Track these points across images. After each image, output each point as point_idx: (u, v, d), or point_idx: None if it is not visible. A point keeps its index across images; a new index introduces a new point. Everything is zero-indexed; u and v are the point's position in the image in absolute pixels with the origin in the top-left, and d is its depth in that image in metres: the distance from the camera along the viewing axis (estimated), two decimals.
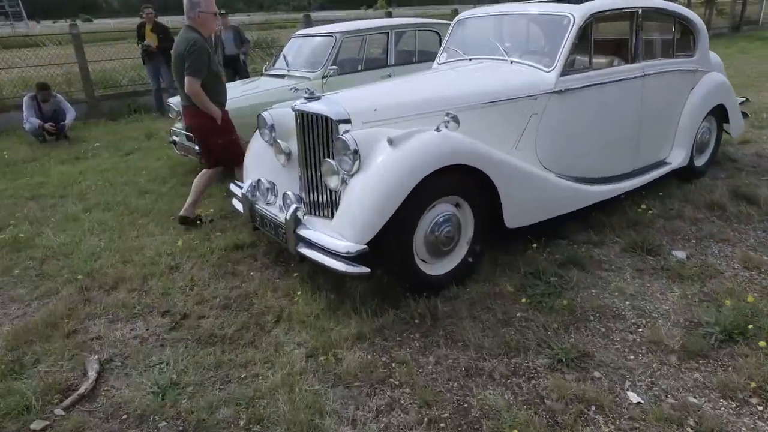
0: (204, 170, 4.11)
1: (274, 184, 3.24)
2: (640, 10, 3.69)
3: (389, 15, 10.63)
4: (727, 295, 2.82)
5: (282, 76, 5.53)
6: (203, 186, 4.11)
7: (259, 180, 3.25)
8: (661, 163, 4.23)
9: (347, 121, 2.89)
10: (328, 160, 2.84)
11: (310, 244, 2.80)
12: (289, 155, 3.38)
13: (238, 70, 8.52)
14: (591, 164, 3.74)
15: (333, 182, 2.88)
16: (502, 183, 2.94)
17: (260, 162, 3.54)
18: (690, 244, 3.45)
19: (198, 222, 4.12)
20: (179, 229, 4.07)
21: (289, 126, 3.35)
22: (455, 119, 2.72)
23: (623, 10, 3.69)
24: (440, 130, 2.75)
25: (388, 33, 5.68)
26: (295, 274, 3.33)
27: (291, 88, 3.05)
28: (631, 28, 3.72)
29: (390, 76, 5.62)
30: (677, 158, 4.25)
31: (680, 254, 3.31)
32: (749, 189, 4.22)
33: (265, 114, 3.45)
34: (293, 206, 2.86)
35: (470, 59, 3.92)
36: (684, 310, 2.75)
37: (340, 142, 2.74)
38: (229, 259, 3.58)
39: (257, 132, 3.62)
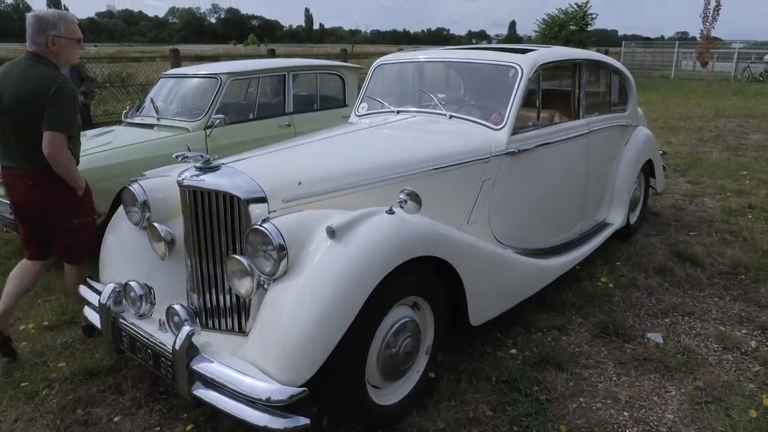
0: (25, 262, 2.93)
1: (149, 288, 2.39)
2: (582, 63, 3.57)
3: (273, 53, 10.08)
4: (727, 390, 2.58)
5: (150, 126, 4.62)
6: (25, 287, 2.91)
7: (126, 284, 2.37)
8: (603, 225, 4.12)
9: (262, 200, 2.21)
10: (238, 257, 2.11)
11: (212, 383, 2.01)
12: (171, 244, 2.56)
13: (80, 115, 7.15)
14: (545, 233, 3.46)
15: (244, 288, 2.15)
16: (468, 273, 2.44)
17: (126, 254, 2.67)
18: (658, 322, 3.25)
19: (12, 348, 2.91)
20: None
21: (171, 202, 2.57)
22: (414, 197, 2.18)
23: (567, 62, 3.53)
24: (394, 212, 2.18)
25: (284, 75, 5.08)
26: (185, 415, 2.46)
27: (177, 155, 2.27)
28: (574, 81, 3.58)
29: (289, 125, 5.01)
30: (617, 218, 4.17)
31: (655, 337, 3.07)
32: (686, 248, 4.28)
33: (134, 187, 2.62)
34: (186, 329, 2.05)
35: (397, 111, 3.48)
36: (692, 419, 2.42)
37: (257, 234, 2.04)
38: (79, 398, 2.59)
39: (120, 211, 2.75)
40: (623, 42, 27.96)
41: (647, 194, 4.83)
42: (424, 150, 2.82)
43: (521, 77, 3.10)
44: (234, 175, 2.27)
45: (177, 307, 2.15)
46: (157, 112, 4.67)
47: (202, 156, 2.31)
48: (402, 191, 2.19)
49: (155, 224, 2.55)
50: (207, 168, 2.30)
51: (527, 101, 3.24)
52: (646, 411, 2.48)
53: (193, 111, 4.69)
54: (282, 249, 2.00)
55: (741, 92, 16.82)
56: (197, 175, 2.28)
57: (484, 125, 3.10)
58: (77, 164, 2.82)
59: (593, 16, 27.94)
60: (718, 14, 24.95)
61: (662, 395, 2.59)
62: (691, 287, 3.70)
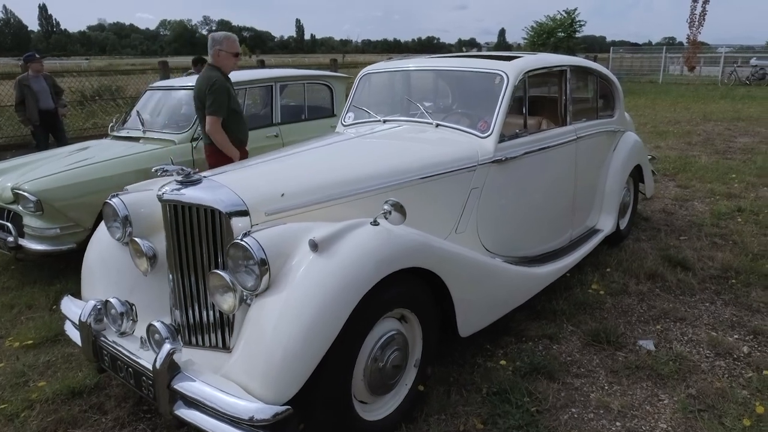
0: None
1: (131, 305, 2.33)
2: (568, 69, 3.56)
3: (262, 64, 10.05)
4: (720, 398, 2.54)
5: (136, 139, 4.57)
6: None
7: (107, 302, 2.31)
8: (593, 231, 4.10)
9: (244, 214, 2.17)
10: (219, 272, 2.06)
11: (194, 403, 1.95)
12: (154, 259, 2.51)
13: (56, 129, 7.09)
14: (535, 241, 3.43)
15: (227, 303, 2.10)
16: (455, 284, 2.40)
17: (108, 271, 2.61)
18: (650, 329, 3.22)
19: None
20: None
21: (154, 216, 2.52)
22: (398, 207, 2.14)
23: (553, 69, 3.52)
24: (378, 223, 2.14)
25: (271, 86, 5.05)
26: None
27: (156, 169, 2.22)
28: (560, 87, 3.57)
29: (277, 136, 4.98)
30: (607, 224, 4.15)
31: (647, 344, 3.03)
32: (677, 253, 4.25)
33: (115, 201, 2.56)
34: (166, 347, 2.00)
35: (384, 121, 3.45)
36: (685, 428, 2.39)
37: (238, 248, 1.99)
38: (61, 419, 2.52)
39: (102, 226, 2.70)
40: (611, 48, 28.18)
41: (637, 199, 4.82)
42: (410, 159, 2.78)
43: (507, 85, 3.08)
44: (215, 189, 2.23)
45: (157, 324, 2.09)
46: (142, 124, 4.62)
47: (182, 169, 2.27)
48: (386, 202, 2.15)
49: (137, 239, 2.50)
50: (188, 181, 2.26)
51: (514, 108, 3.22)
52: (638, 421, 2.44)
53: (180, 123, 4.65)
54: (264, 263, 1.95)
55: (728, 96, 16.97)
56: (178, 189, 2.24)
57: (471, 133, 3.08)
58: (245, 138, 4.04)
59: (581, 23, 28.21)
60: (704, 19, 25.17)
61: (655, 404, 2.55)
62: (683, 292, 3.67)
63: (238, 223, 2.16)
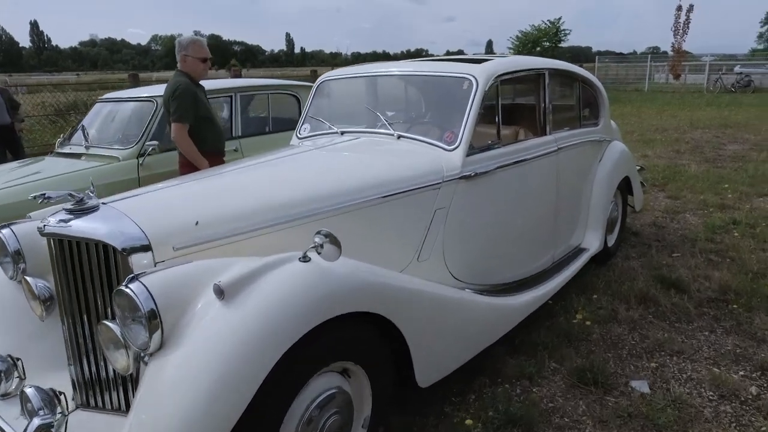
0: None
1: (14, 361, 1.90)
2: (546, 73, 3.17)
3: (239, 75, 9.68)
4: None
5: (78, 155, 4.13)
6: None
7: None
8: (578, 250, 3.70)
9: (145, 249, 1.75)
10: (108, 324, 1.63)
11: None
12: (50, 302, 2.07)
13: (13, 144, 6.67)
14: (512, 265, 3.02)
15: (120, 362, 1.67)
16: (411, 327, 1.98)
17: (5, 315, 2.17)
18: (643, 365, 2.81)
19: None
20: None
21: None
22: (332, 239, 1.72)
23: (530, 72, 3.13)
24: (309, 259, 1.72)
25: (231, 96, 4.64)
26: None
27: (35, 196, 1.79)
28: (538, 93, 3.18)
29: (236, 150, 4.56)
30: (593, 242, 3.76)
31: (641, 386, 2.62)
32: (670, 272, 3.86)
33: (4, 232, 2.14)
34: (35, 423, 1.56)
35: (342, 133, 3.05)
36: None
37: (123, 297, 1.56)
38: None
39: None
40: (597, 57, 28.09)
41: (625, 213, 4.43)
42: (362, 177, 2.37)
43: (476, 90, 2.69)
44: (113, 219, 1.81)
45: (29, 391, 1.67)
46: (86, 140, 4.19)
47: (72, 195, 1.85)
48: (317, 233, 1.73)
49: (28, 278, 2.06)
50: (80, 210, 1.83)
51: (487, 118, 2.83)
52: None
53: (130, 138, 4.23)
54: (153, 317, 1.52)
55: (714, 103, 16.77)
56: (65, 220, 1.82)
57: (436, 145, 2.68)
58: (222, 146, 3.76)
59: (566, 32, 28.16)
60: (688, 27, 25.16)
61: None
62: (678, 319, 3.27)
63: (141, 261, 1.75)
